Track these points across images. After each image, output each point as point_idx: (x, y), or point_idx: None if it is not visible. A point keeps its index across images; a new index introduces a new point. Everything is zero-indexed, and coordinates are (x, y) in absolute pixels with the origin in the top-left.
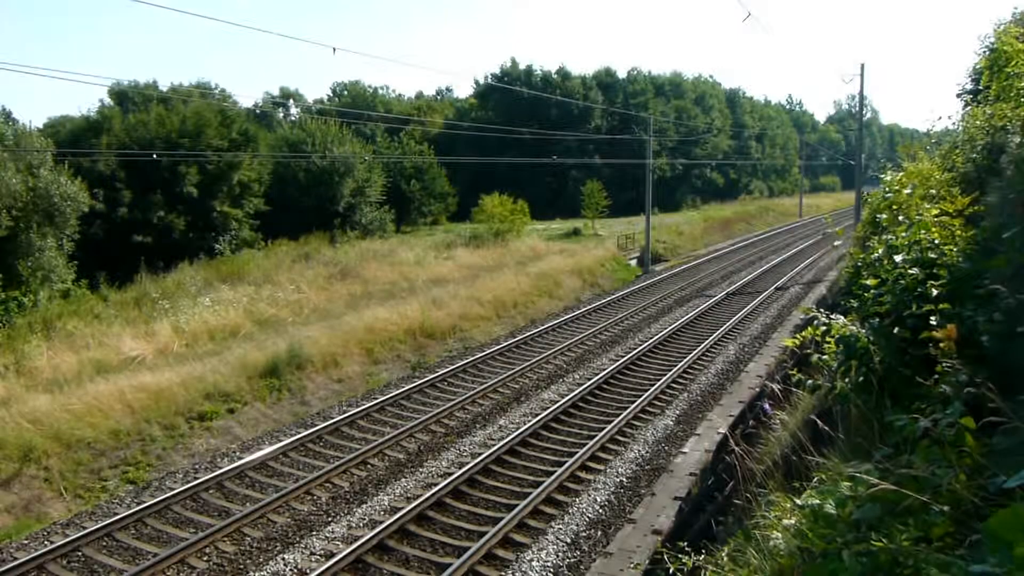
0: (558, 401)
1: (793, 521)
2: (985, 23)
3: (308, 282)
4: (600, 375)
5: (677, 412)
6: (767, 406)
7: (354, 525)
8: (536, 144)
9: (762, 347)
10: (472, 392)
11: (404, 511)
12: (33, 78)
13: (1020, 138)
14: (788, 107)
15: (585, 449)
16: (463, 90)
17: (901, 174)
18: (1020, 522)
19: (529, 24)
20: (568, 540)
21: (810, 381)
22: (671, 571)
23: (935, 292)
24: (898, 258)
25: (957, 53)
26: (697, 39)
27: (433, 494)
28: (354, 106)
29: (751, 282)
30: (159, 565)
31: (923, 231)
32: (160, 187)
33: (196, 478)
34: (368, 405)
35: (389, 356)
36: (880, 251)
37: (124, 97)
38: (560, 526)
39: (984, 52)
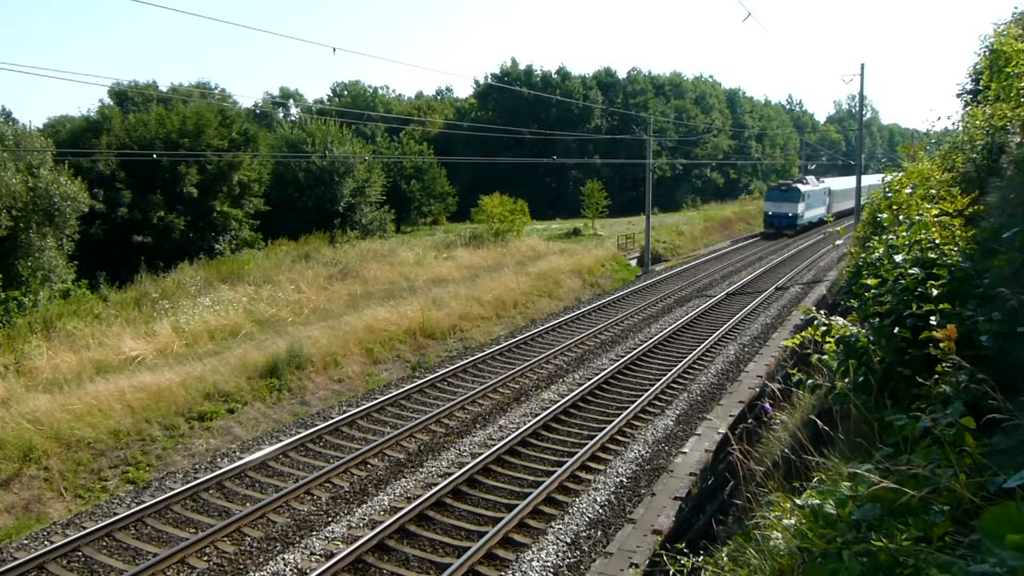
0: (558, 401)
1: (793, 521)
2: (985, 23)
3: (308, 282)
4: (600, 375)
5: (677, 412)
6: (767, 406)
7: (354, 525)
8: (536, 144)
9: (762, 347)
10: (472, 392)
11: (404, 511)
12: (33, 78)
13: (1020, 138)
14: (788, 107)
15: (585, 449)
16: (463, 90)
17: (901, 174)
18: (1011, 517)
19: (529, 24)
20: (568, 540)
21: (810, 381)
22: (671, 571)
23: (935, 292)
24: (898, 258)
25: (957, 53)
26: (697, 39)
27: (433, 494)
28: (354, 106)
29: (751, 282)
30: (159, 565)
31: (923, 231)
32: (160, 187)
33: (196, 478)
34: (368, 405)
35: (389, 356)
36: (880, 251)
37: (124, 97)
38: (560, 526)
39: (984, 52)
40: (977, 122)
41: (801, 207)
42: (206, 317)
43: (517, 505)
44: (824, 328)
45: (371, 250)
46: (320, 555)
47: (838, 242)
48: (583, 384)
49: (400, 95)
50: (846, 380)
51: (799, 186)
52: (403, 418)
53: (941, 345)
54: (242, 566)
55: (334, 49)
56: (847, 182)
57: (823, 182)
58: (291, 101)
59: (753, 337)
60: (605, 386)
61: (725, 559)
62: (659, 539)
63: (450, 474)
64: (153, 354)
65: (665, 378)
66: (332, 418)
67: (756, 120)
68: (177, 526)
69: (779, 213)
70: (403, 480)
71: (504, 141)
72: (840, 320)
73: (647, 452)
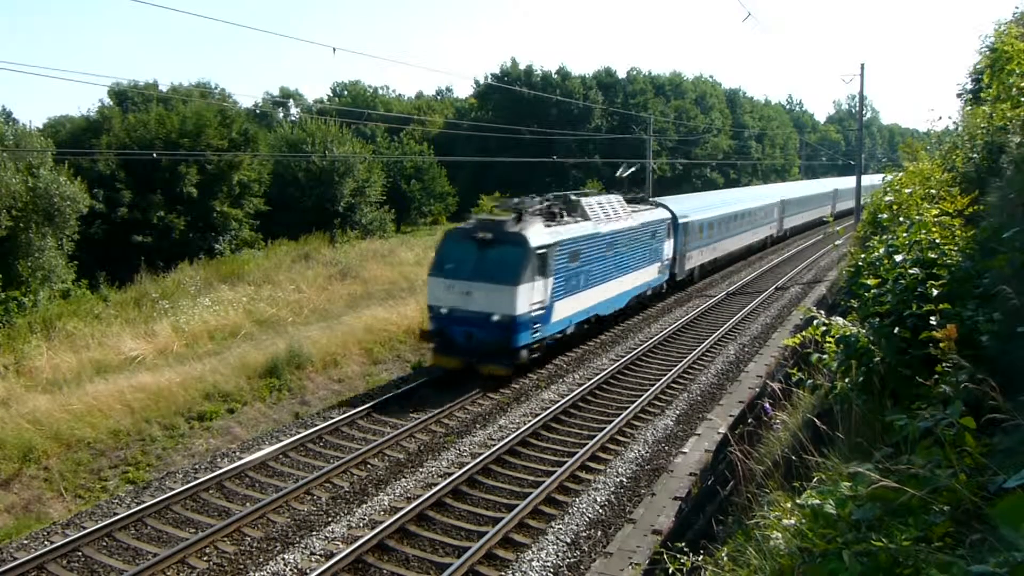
0: (558, 401)
1: (793, 521)
2: (985, 23)
3: (308, 282)
4: (600, 375)
5: (677, 412)
6: (767, 406)
7: (354, 525)
8: (536, 144)
9: (762, 347)
10: (472, 392)
11: (404, 511)
12: (33, 78)
13: (1020, 138)
14: (788, 107)
15: (585, 449)
16: (463, 90)
17: (901, 174)
18: None
19: (529, 24)
20: (568, 540)
21: (810, 381)
22: (670, 571)
23: (935, 292)
24: (898, 258)
25: (957, 53)
26: (697, 39)
27: (433, 494)
28: (354, 106)
29: (751, 282)
30: (159, 565)
31: (923, 231)
32: (160, 187)
33: (196, 478)
34: (368, 405)
35: (389, 356)
36: (880, 251)
37: (124, 97)
38: (560, 526)
39: (985, 52)
40: (977, 122)
41: (529, 294)
42: (206, 317)
43: (517, 505)
44: (824, 328)
45: (371, 250)
46: (320, 555)
47: (838, 242)
48: (583, 384)
49: (400, 95)
50: (846, 380)
51: (525, 230)
52: (403, 418)
53: (941, 345)
54: (242, 566)
55: (334, 49)
56: (723, 198)
57: (654, 205)
58: (291, 101)
59: (753, 337)
60: (605, 386)
61: (725, 559)
62: (659, 539)
63: (450, 474)
64: (153, 354)
65: (665, 378)
66: (332, 418)
67: (756, 120)
68: (177, 526)
69: (461, 313)
70: (403, 480)
71: (504, 141)
72: (840, 320)
73: (647, 452)
